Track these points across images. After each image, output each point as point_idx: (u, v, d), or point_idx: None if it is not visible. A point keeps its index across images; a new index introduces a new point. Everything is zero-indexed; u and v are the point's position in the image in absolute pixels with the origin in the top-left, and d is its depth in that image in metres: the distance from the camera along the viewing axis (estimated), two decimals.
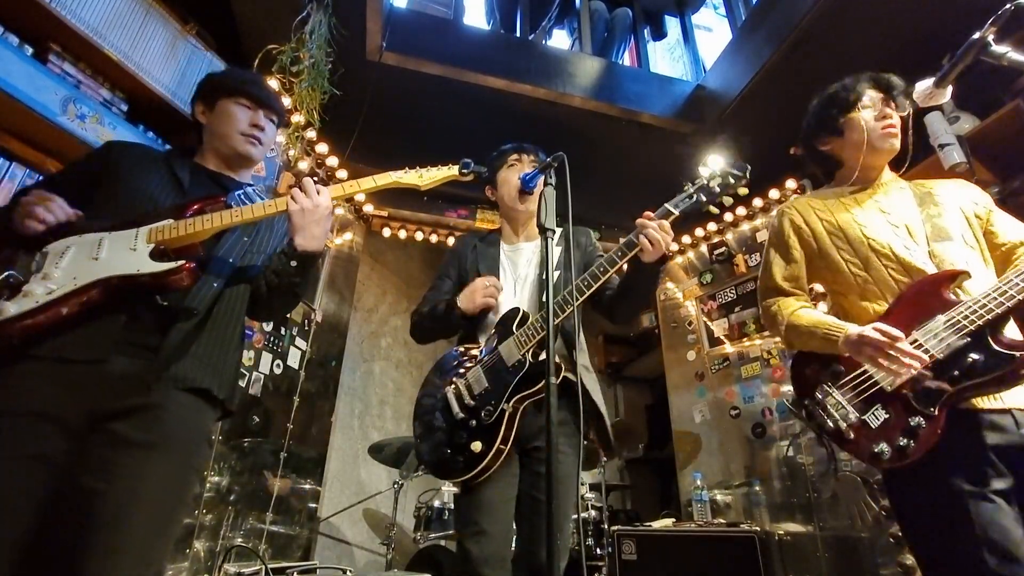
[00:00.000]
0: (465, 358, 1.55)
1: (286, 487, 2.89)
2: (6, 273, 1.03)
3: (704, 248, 4.06)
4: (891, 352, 1.13)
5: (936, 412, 1.11)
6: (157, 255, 1.10)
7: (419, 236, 4.06)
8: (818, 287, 1.49)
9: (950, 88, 1.21)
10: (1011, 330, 1.16)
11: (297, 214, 1.21)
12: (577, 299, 1.38)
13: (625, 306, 1.57)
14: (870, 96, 1.40)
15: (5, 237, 1.13)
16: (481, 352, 1.53)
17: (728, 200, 1.42)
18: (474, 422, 1.42)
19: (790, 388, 3.19)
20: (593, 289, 1.41)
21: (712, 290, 3.89)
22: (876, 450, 1.15)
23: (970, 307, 1.12)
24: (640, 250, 1.39)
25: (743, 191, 1.41)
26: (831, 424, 1.23)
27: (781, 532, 2.98)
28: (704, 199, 1.41)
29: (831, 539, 2.80)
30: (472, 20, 4.08)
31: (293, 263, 1.22)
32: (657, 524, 3.00)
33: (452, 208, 3.97)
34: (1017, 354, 1.07)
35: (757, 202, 3.70)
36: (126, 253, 1.09)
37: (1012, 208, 2.09)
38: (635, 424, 5.28)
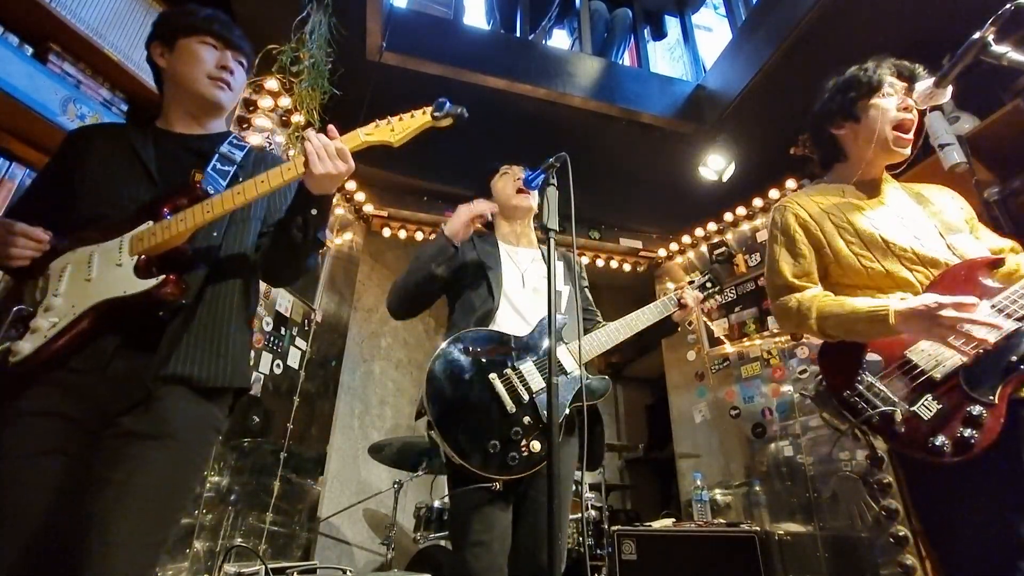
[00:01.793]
0: (503, 344, 1.49)
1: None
2: (16, 309, 1.05)
3: (704, 248, 4.06)
4: (964, 320, 1.04)
5: (996, 400, 1.05)
6: (142, 268, 1.07)
7: (419, 236, 4.06)
8: None
9: (950, 88, 1.21)
10: None
11: (324, 178, 1.09)
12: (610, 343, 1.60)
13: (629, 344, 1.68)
14: (892, 84, 1.34)
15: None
16: (522, 344, 1.50)
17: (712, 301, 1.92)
18: (529, 419, 1.38)
19: (790, 388, 3.22)
20: (622, 340, 1.61)
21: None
22: (936, 443, 1.07)
23: (1017, 292, 1.10)
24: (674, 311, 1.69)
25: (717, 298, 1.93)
26: (879, 418, 1.13)
27: (781, 532, 2.98)
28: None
29: (831, 539, 2.80)
30: (472, 20, 4.08)
31: (314, 211, 1.14)
32: (657, 524, 3.00)
33: (452, 208, 3.95)
34: None
35: (757, 202, 3.70)
36: (113, 271, 1.07)
37: (1012, 208, 2.10)
38: (635, 425, 5.29)
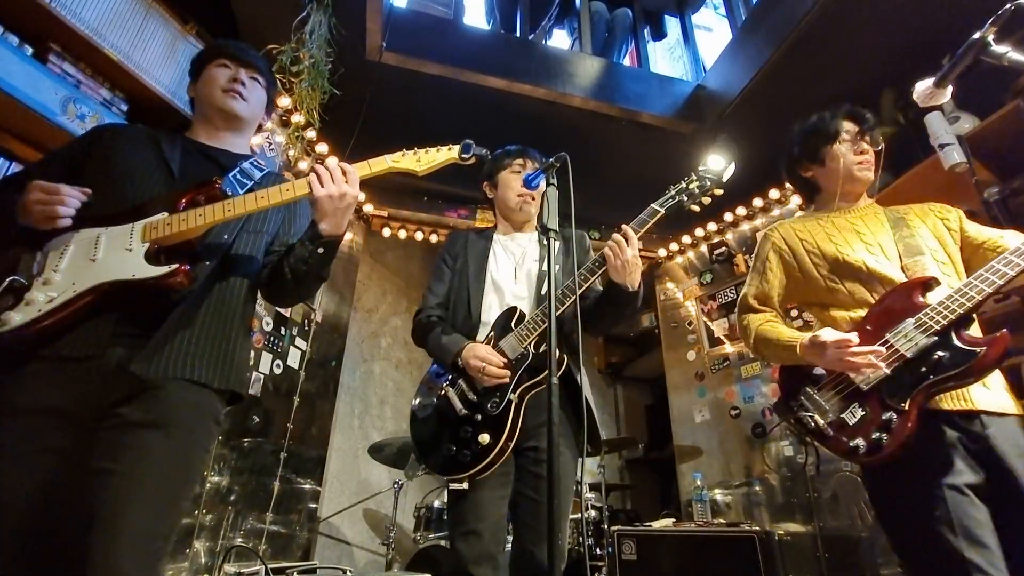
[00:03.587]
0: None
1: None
2: (9, 279, 1.03)
3: (704, 248, 4.06)
4: (845, 353, 1.22)
5: (907, 407, 1.18)
6: (152, 255, 1.08)
7: (419, 236, 4.06)
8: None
9: (950, 88, 1.21)
10: (976, 330, 1.26)
11: (326, 201, 1.13)
12: (562, 304, 1.41)
13: (595, 320, 1.55)
14: (848, 130, 1.50)
15: (13, 235, 1.10)
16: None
17: (707, 200, 1.57)
18: (479, 415, 1.42)
19: None
20: (575, 297, 1.42)
21: (712, 290, 3.89)
22: (852, 445, 1.23)
23: (936, 309, 1.21)
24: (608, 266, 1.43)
25: (718, 191, 1.57)
26: (812, 423, 1.31)
27: (781, 532, 2.98)
28: (686, 199, 1.54)
29: (831, 539, 2.80)
30: (472, 20, 4.08)
31: (320, 250, 1.18)
32: (657, 524, 3.00)
33: (452, 208, 3.97)
34: (978, 349, 1.15)
35: (757, 202, 3.70)
36: (122, 254, 1.07)
37: (1012, 208, 2.09)
38: (635, 425, 5.29)
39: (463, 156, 1.24)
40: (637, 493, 4.95)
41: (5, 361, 1.01)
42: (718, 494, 3.41)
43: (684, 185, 1.53)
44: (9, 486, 0.93)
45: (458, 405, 1.46)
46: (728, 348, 3.67)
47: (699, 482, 3.37)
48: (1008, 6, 1.04)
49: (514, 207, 1.71)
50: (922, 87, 1.27)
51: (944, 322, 1.19)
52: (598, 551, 3.02)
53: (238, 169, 1.26)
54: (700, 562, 2.67)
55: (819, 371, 1.35)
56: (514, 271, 1.64)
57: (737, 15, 3.63)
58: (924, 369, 1.19)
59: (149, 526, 0.96)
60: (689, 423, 3.77)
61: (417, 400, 1.60)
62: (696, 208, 1.56)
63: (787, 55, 2.80)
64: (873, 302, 1.34)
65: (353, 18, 2.70)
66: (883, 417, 1.20)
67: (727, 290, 3.79)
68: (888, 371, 1.22)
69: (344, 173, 1.16)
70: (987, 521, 1.11)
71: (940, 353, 1.18)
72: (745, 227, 3.84)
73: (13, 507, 0.92)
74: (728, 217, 3.84)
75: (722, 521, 3.14)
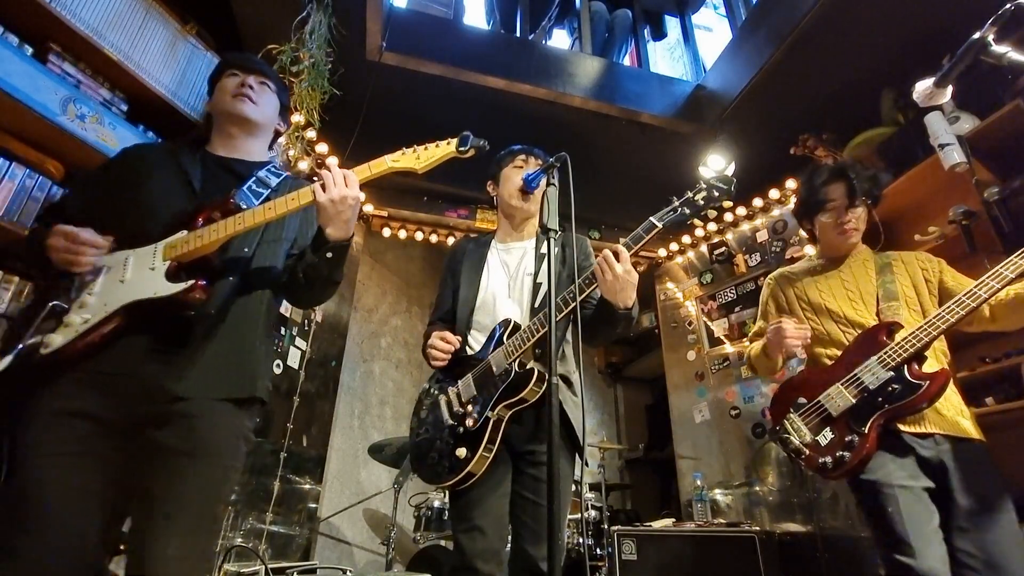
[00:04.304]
0: (459, 367, 1.56)
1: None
2: (51, 304, 1.12)
3: (704, 248, 4.06)
4: (778, 334, 1.56)
5: (867, 430, 1.41)
6: (172, 273, 1.14)
7: (419, 236, 4.06)
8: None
9: (950, 88, 1.22)
10: (932, 366, 1.47)
11: (328, 205, 1.17)
12: (557, 315, 1.32)
13: (588, 335, 1.53)
14: (834, 198, 1.69)
15: (43, 269, 1.17)
16: (472, 360, 1.53)
17: (712, 212, 1.52)
18: (461, 428, 1.43)
19: None
20: (570, 309, 1.37)
21: (712, 290, 3.89)
22: (821, 462, 1.47)
23: (894, 348, 1.43)
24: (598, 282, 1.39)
25: (727, 204, 1.51)
26: (792, 444, 1.55)
27: (781, 532, 2.98)
28: (688, 212, 1.44)
29: (831, 539, 2.80)
30: (472, 20, 4.08)
31: (329, 254, 1.21)
32: (657, 524, 3.00)
33: (452, 208, 3.97)
34: (923, 383, 1.38)
35: (757, 202, 3.70)
36: (146, 273, 1.14)
37: (1012, 208, 2.09)
38: (634, 426, 5.29)
39: (461, 148, 1.25)
40: (637, 493, 4.95)
41: (48, 378, 1.08)
42: (718, 494, 3.41)
43: (688, 196, 1.42)
44: (45, 485, 0.99)
45: (446, 415, 1.49)
46: (728, 348, 3.67)
47: (699, 482, 3.37)
48: (1008, 6, 1.04)
49: (511, 201, 1.69)
50: (922, 87, 1.27)
51: (898, 359, 1.41)
52: (598, 551, 3.03)
53: (254, 178, 1.30)
54: (700, 562, 2.67)
55: (801, 400, 1.58)
56: (508, 286, 1.63)
57: (737, 15, 3.63)
58: (881, 399, 1.42)
59: (192, 542, 1.06)
60: (689, 423, 3.77)
61: (423, 399, 1.62)
62: (699, 221, 1.57)
63: (787, 55, 2.80)
64: (847, 342, 1.58)
65: (353, 18, 2.70)
66: (846, 439, 1.44)
67: (727, 290, 3.79)
68: (855, 400, 1.45)
69: (344, 177, 1.19)
70: (929, 516, 1.36)
71: (895, 385, 1.41)
72: (745, 227, 3.83)
73: (47, 505, 0.97)
74: (728, 217, 3.83)
75: (722, 521, 3.14)
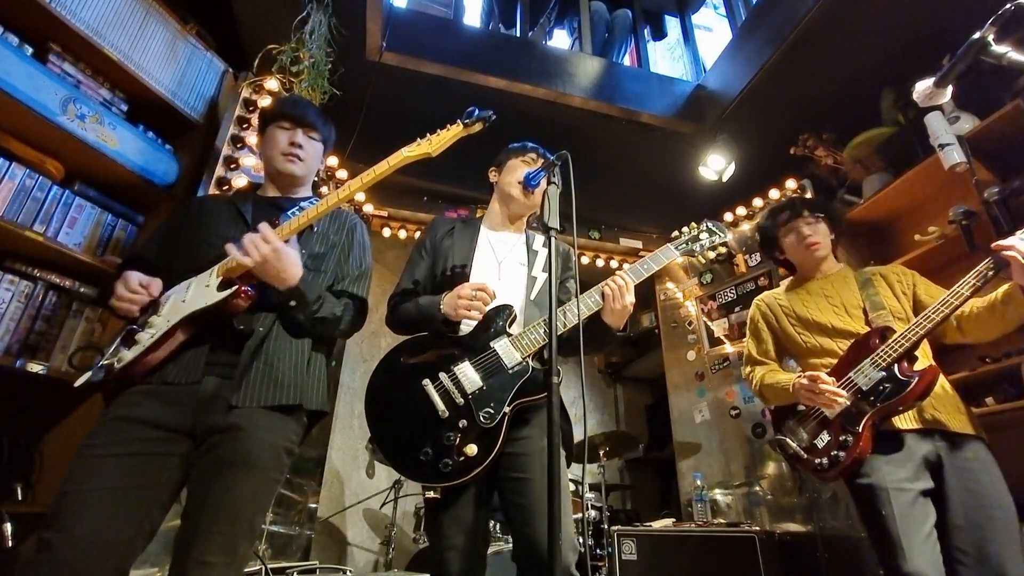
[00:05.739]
0: (443, 348, 1.44)
1: None
2: (128, 328, 1.29)
3: None
4: (815, 390, 1.53)
5: (861, 430, 1.46)
6: (224, 286, 1.27)
7: (419, 236, 4.06)
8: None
9: (950, 88, 1.22)
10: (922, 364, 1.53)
11: (257, 269, 1.26)
12: (559, 327, 1.31)
13: (574, 346, 1.47)
14: (783, 222, 1.86)
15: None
16: (463, 344, 1.44)
17: (710, 255, 1.73)
18: (464, 422, 1.33)
19: None
20: (571, 327, 1.43)
21: (712, 290, 3.89)
22: (817, 463, 1.53)
23: (885, 348, 1.50)
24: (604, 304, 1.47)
25: (722, 250, 1.80)
26: (790, 449, 1.61)
27: (781, 532, 2.98)
28: (696, 249, 1.66)
29: (831, 539, 2.80)
30: (472, 20, 4.08)
31: (292, 303, 1.30)
32: (657, 524, 3.00)
33: (452, 208, 3.97)
34: (912, 379, 1.44)
35: (757, 202, 3.70)
36: (203, 290, 1.29)
37: (1012, 208, 2.09)
38: (634, 427, 5.28)
39: (466, 122, 1.35)
40: (637, 493, 4.95)
41: (120, 391, 1.23)
42: (718, 494, 3.41)
43: (693, 233, 1.67)
44: (86, 479, 1.08)
45: (440, 405, 1.34)
46: (728, 348, 3.67)
47: (699, 482, 3.37)
48: (1008, 6, 1.04)
49: (511, 190, 1.68)
50: (922, 87, 1.27)
51: (889, 359, 1.48)
52: (598, 551, 3.02)
53: (297, 207, 1.42)
54: (700, 562, 2.67)
55: (801, 407, 1.64)
56: (498, 268, 1.59)
57: (737, 15, 3.63)
58: (873, 398, 1.48)
59: (233, 547, 1.15)
60: (689, 423, 3.77)
61: (387, 375, 1.46)
62: (711, 256, 1.74)
63: (787, 55, 2.80)
64: (839, 352, 1.63)
65: (353, 18, 2.70)
66: (841, 439, 1.50)
67: (727, 290, 3.79)
68: (848, 401, 1.50)
69: (256, 242, 1.26)
70: (924, 517, 1.38)
71: (886, 384, 1.47)
72: (745, 227, 3.83)
73: (95, 494, 1.07)
74: (728, 217, 3.83)
75: (722, 521, 3.14)
